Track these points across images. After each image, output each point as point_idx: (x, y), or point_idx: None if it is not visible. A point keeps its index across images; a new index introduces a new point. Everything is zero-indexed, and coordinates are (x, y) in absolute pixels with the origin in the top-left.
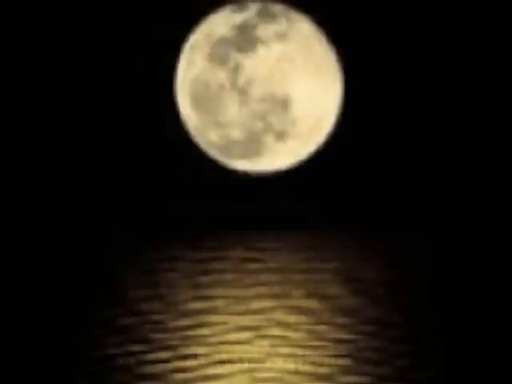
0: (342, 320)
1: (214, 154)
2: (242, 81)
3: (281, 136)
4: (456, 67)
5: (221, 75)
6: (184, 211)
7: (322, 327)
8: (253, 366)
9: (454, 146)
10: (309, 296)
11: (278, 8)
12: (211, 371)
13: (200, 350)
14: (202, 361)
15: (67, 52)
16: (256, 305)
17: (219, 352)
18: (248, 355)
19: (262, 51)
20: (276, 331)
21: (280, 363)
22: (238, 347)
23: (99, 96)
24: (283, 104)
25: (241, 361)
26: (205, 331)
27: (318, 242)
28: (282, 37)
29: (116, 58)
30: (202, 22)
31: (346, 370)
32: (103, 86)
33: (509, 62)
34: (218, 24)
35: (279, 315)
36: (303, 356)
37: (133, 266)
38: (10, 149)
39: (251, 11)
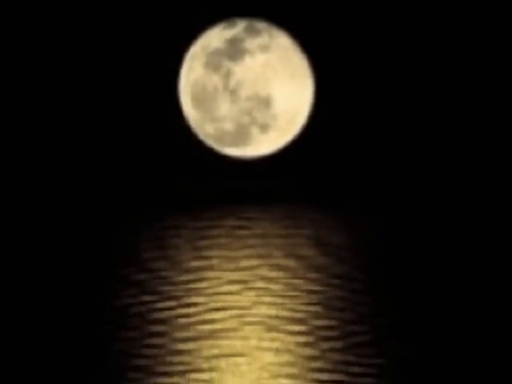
0: (313, 275)
1: (210, 143)
2: (232, 84)
3: (264, 128)
4: (411, 74)
5: (215, 79)
6: (186, 189)
7: (297, 281)
8: (241, 312)
9: (408, 135)
10: (287, 256)
11: (262, 25)
12: (208, 316)
13: (199, 300)
14: (200, 308)
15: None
16: (244, 263)
17: (214, 301)
18: (238, 303)
19: (248, 60)
20: (260, 284)
21: (263, 310)
22: (229, 297)
23: (117, 97)
24: (266, 102)
25: (232, 308)
26: (203, 284)
27: (294, 213)
28: (265, 48)
29: (131, 67)
30: (199, 37)
31: (316, 315)
32: (121, 90)
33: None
34: (213, 38)
35: (263, 271)
36: (282, 304)
37: (145, 233)
38: (37, 136)
39: (239, 27)
